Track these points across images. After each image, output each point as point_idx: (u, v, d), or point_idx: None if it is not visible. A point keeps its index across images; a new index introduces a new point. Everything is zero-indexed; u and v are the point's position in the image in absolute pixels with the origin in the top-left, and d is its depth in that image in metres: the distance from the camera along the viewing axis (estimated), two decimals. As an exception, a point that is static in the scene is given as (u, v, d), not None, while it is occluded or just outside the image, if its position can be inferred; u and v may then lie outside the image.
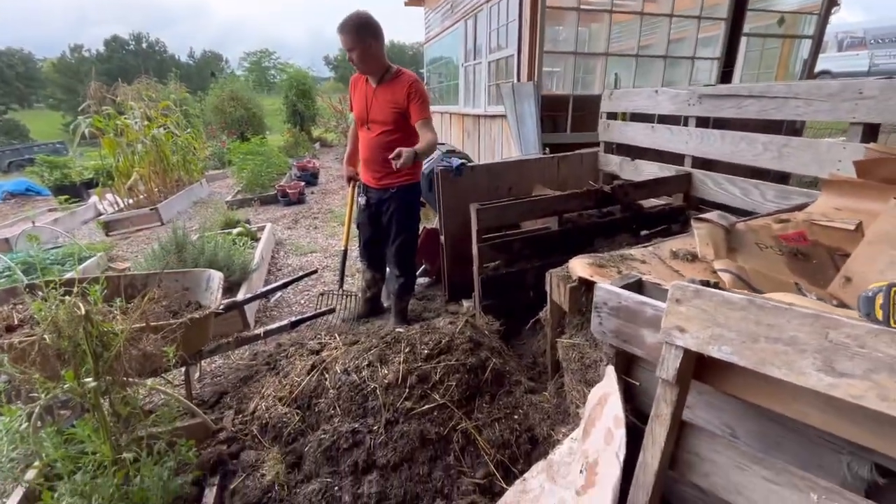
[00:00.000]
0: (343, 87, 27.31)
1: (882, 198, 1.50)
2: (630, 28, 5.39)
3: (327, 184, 8.30)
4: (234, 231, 4.48)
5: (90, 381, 1.56)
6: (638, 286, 1.25)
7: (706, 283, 0.91)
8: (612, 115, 3.46)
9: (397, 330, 1.98)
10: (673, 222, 2.70)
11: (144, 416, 1.68)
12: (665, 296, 1.09)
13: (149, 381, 1.89)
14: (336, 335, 2.16)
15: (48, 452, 1.43)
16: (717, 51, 5.31)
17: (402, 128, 2.45)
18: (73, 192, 8.00)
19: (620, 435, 1.03)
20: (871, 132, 1.79)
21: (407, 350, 1.84)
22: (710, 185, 2.60)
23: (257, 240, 4.37)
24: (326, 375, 1.88)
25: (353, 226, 2.91)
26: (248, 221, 5.04)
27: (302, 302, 3.43)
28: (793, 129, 4.81)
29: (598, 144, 3.59)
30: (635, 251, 1.69)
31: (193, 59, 61.15)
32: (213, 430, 1.94)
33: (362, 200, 2.64)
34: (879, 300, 0.68)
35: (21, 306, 2.10)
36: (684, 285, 0.87)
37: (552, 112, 5.05)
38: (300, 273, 3.22)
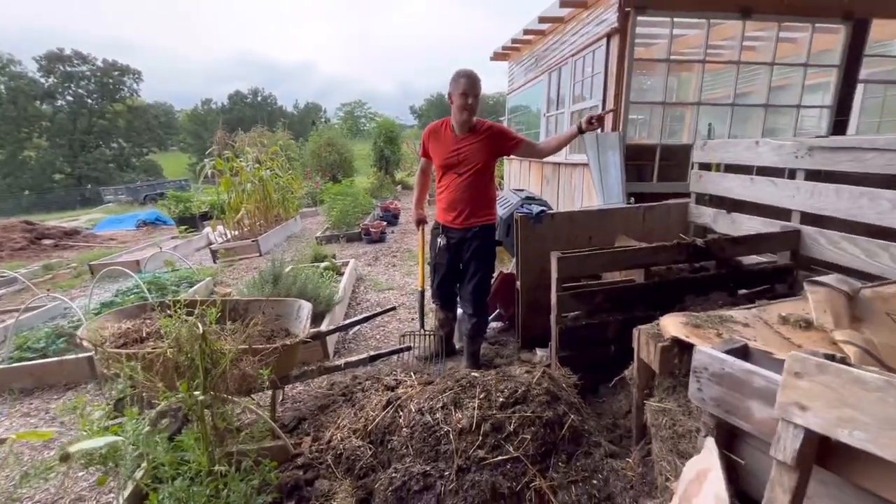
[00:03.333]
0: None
1: None
2: (725, 76, 5.18)
3: (407, 224, 8.70)
4: (322, 265, 4.83)
5: (199, 394, 1.74)
6: (743, 352, 1.15)
7: (830, 357, 0.82)
8: (705, 166, 3.30)
9: (472, 374, 1.97)
10: (778, 282, 2.46)
11: (236, 432, 1.82)
12: (777, 366, 1.00)
13: (243, 401, 2.06)
14: (412, 373, 2.20)
15: (158, 456, 1.59)
16: (828, 98, 4.89)
17: (489, 168, 2.67)
18: (191, 222, 9.20)
19: (723, 519, 0.93)
20: None
21: (482, 396, 1.82)
22: (825, 244, 2.35)
23: (341, 274, 4.66)
24: (401, 413, 1.90)
25: (427, 267, 3.02)
26: (334, 256, 5.41)
27: (378, 336, 3.55)
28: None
29: (685, 195, 3.43)
30: (736, 313, 1.56)
31: (298, 110, 68.89)
32: (292, 455, 2.04)
33: (442, 241, 2.75)
34: None
35: (150, 321, 2.42)
36: (805, 357, 0.79)
37: (637, 161, 4.94)
38: (378, 309, 3.36)
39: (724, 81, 5.19)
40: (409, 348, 2.64)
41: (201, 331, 1.78)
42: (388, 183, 13.82)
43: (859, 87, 4.97)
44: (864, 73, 4.92)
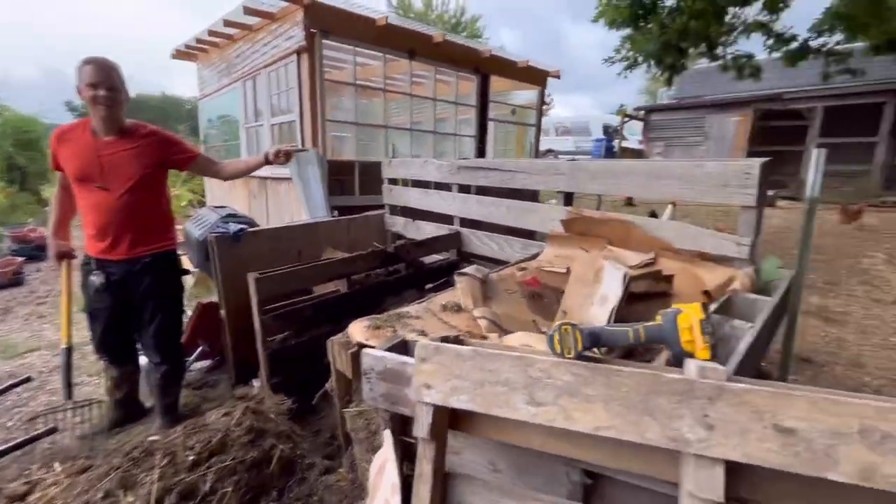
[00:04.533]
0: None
1: (579, 245, 2.00)
2: (405, 104, 6.15)
3: (66, 258, 6.52)
4: None
5: None
6: (403, 346, 1.32)
7: (445, 339, 1.01)
8: (393, 181, 3.77)
9: (150, 439, 1.60)
10: (450, 275, 3.03)
11: None
12: (430, 350, 1.18)
13: None
14: (57, 464, 1.61)
15: None
16: (473, 130, 6.55)
17: (157, 182, 2.22)
18: None
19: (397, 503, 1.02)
20: (567, 199, 2.40)
21: (165, 463, 1.49)
22: (476, 242, 3.04)
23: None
24: (36, 528, 1.36)
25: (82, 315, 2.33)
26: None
27: (8, 426, 2.48)
28: (533, 196, 6.14)
29: (383, 206, 3.84)
30: (412, 308, 1.80)
31: None
32: None
33: (98, 279, 2.12)
34: (556, 336, 0.87)
35: None
36: (427, 344, 0.94)
37: (341, 176, 5.24)
38: (8, 382, 2.36)
39: (403, 109, 6.15)
40: (53, 430, 1.93)
41: None
42: (27, 202, 10.09)
43: (490, 124, 6.78)
44: (492, 113, 6.78)
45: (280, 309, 2.29)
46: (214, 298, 3.06)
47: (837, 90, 11.16)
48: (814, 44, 6.76)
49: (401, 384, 1.15)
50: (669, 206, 7.26)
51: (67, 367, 2.27)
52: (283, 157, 2.44)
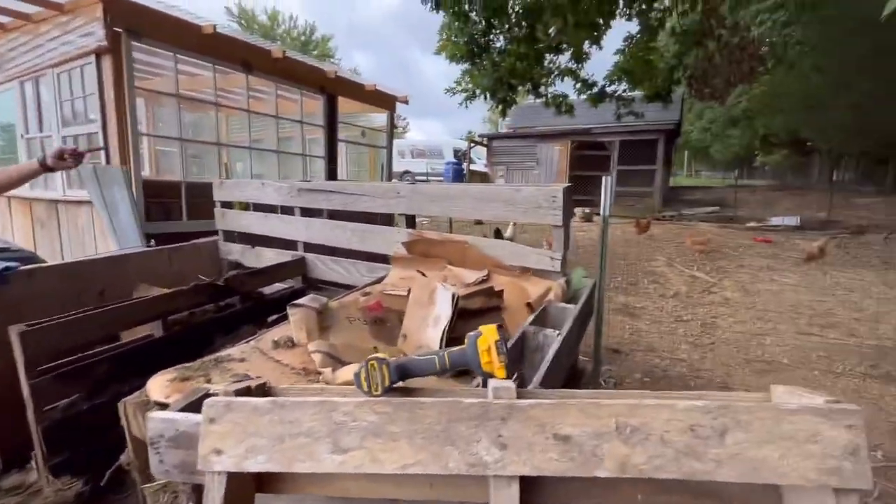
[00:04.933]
0: None
1: (420, 266, 2.03)
2: (244, 121, 5.63)
3: None
4: None
5: None
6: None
7: (243, 392, 0.89)
8: (227, 204, 3.40)
9: None
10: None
11: None
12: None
13: None
14: None
15: None
16: (322, 150, 6.33)
17: None
18: None
19: None
20: (410, 221, 2.43)
21: None
22: (322, 266, 2.88)
23: None
24: None
25: None
26: None
27: None
28: (388, 218, 5.61)
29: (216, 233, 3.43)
30: (234, 350, 1.59)
31: None
32: None
33: None
34: (363, 374, 0.83)
35: None
36: (215, 401, 0.81)
37: (164, 199, 4.51)
38: None
39: (243, 126, 5.65)
40: None
41: None
42: None
43: (341, 145, 6.66)
44: (342, 134, 6.66)
45: (64, 366, 1.81)
46: None
47: (629, 128, 13.97)
48: (609, 90, 8.34)
49: (196, 449, 0.98)
50: (511, 224, 8.08)
51: None
52: (71, 159, 1.96)
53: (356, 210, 2.56)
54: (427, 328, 1.85)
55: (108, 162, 4.01)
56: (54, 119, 4.64)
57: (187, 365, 1.46)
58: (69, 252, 4.71)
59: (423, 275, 2.02)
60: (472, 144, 18.30)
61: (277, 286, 2.93)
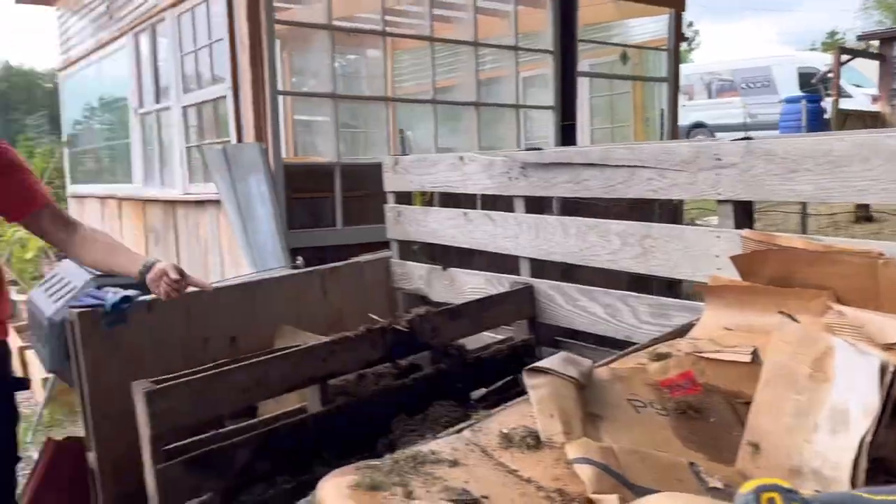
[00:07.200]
0: None
1: (772, 306, 1.04)
2: (422, 59, 3.78)
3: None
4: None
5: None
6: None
7: None
8: (403, 197, 2.35)
9: None
10: (519, 370, 1.88)
11: None
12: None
13: None
14: None
15: None
16: (550, 96, 3.78)
17: None
18: None
19: None
20: (743, 213, 1.38)
21: None
22: (562, 304, 1.86)
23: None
24: None
25: None
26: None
27: None
28: (670, 210, 3.05)
29: (386, 244, 2.43)
30: (440, 444, 0.98)
31: None
32: None
33: None
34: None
35: None
36: None
37: (309, 192, 3.25)
38: None
39: (421, 67, 3.75)
40: None
41: None
42: None
43: (582, 82, 3.99)
44: (585, 63, 4.06)
45: (195, 448, 1.34)
46: (78, 431, 1.97)
47: None
48: None
49: None
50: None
51: None
52: (172, 288, 1.37)
53: (624, 197, 1.63)
54: (813, 432, 0.97)
55: (239, 139, 2.96)
56: (173, 83, 3.70)
57: (373, 464, 0.90)
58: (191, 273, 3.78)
59: (793, 319, 1.04)
60: (845, 58, 8.52)
61: (486, 335, 2.01)
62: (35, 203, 1.42)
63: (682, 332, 1.27)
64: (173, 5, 3.52)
